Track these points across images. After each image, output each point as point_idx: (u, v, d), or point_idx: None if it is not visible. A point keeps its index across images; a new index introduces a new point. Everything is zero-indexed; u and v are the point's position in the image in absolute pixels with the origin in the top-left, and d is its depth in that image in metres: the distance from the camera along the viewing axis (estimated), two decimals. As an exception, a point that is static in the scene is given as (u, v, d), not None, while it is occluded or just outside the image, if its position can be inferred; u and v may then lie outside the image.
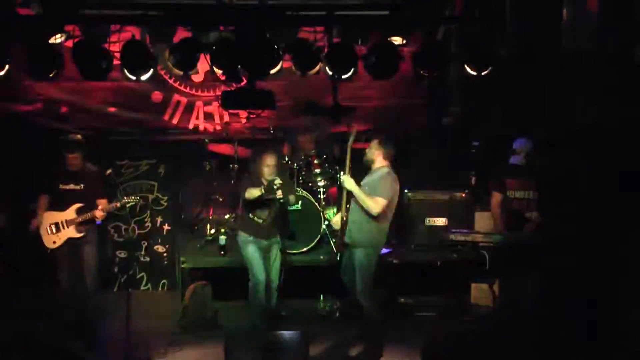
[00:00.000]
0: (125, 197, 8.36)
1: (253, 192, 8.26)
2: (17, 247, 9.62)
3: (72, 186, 8.26)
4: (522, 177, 8.30)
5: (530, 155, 8.21)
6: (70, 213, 8.25)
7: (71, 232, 8.26)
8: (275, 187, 8.16)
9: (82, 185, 8.27)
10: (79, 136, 8.24)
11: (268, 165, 8.32)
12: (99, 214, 8.21)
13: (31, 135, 10.40)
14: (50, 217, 8.27)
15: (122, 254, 10.48)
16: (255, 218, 8.46)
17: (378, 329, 8.03)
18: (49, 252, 8.31)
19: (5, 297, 9.51)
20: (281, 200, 8.36)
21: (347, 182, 7.86)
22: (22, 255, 9.58)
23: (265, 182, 8.26)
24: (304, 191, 9.73)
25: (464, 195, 9.80)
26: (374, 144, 8.15)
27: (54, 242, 8.27)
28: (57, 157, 8.38)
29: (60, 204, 8.28)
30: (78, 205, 8.25)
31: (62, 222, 8.24)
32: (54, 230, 8.25)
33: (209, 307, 8.95)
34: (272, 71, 7.98)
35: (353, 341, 8.23)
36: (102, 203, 8.29)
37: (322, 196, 9.94)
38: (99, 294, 8.59)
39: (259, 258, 8.47)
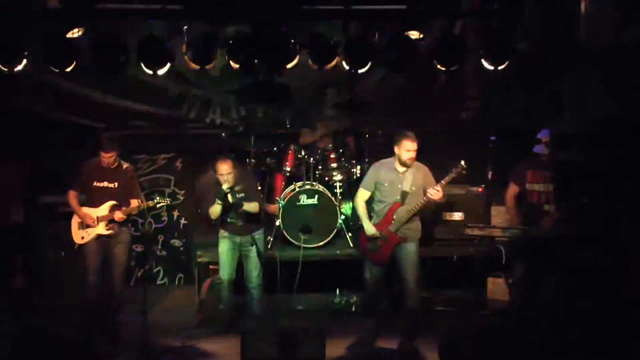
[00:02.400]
0: (158, 198, 8.43)
1: (214, 211, 8.30)
2: (37, 242, 9.64)
3: (106, 184, 8.31)
4: (542, 169, 8.30)
5: (552, 146, 8.22)
6: (103, 210, 8.29)
7: (100, 229, 8.28)
8: (226, 192, 8.17)
9: (116, 183, 8.31)
10: (114, 135, 8.26)
11: (221, 174, 8.22)
12: (117, 216, 8.24)
13: (48, 129, 10.41)
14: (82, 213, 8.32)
15: (138, 248, 10.52)
16: (229, 219, 8.47)
17: (419, 321, 8.30)
18: (77, 248, 8.37)
19: (22, 292, 9.58)
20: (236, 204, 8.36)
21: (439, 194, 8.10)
22: (42, 249, 9.61)
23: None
24: (320, 185, 9.72)
25: (480, 190, 9.78)
26: (414, 139, 8.12)
27: (82, 238, 8.32)
28: (83, 153, 8.41)
29: (93, 201, 8.33)
30: (112, 202, 8.30)
31: (95, 218, 8.28)
32: (84, 226, 8.29)
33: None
34: (289, 65, 7.98)
35: (371, 335, 8.29)
36: (134, 202, 8.34)
37: (338, 190, 9.92)
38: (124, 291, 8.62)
39: (229, 258, 8.52)
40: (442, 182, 8.02)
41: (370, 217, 8.34)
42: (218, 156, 8.41)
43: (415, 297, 8.19)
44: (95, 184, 8.29)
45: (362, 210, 8.37)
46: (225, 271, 8.54)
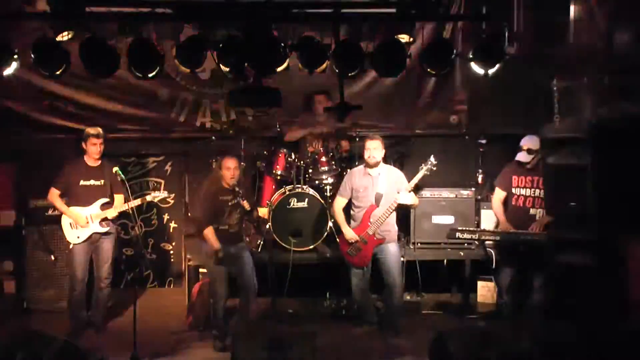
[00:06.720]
0: (152, 194, 8.55)
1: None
2: (28, 246, 9.58)
3: (92, 182, 8.38)
4: (526, 174, 8.38)
5: (536, 152, 8.29)
6: (96, 208, 8.34)
7: (96, 227, 8.35)
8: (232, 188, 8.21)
9: (102, 180, 8.39)
10: (99, 128, 8.38)
11: (228, 168, 8.21)
12: (110, 214, 8.29)
13: (38, 133, 10.37)
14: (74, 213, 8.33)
15: (128, 252, 10.50)
16: (220, 226, 8.33)
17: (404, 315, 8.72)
18: (71, 247, 8.39)
19: (17, 294, 9.55)
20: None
21: (413, 197, 8.40)
22: (33, 253, 9.56)
23: (227, 186, 8.25)
24: (310, 189, 9.71)
25: (470, 193, 9.78)
26: (379, 142, 8.31)
27: (78, 237, 8.35)
28: (69, 154, 8.41)
29: (82, 200, 8.35)
30: (103, 200, 8.39)
31: (87, 217, 8.30)
32: (77, 225, 8.32)
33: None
34: (279, 69, 7.97)
35: (361, 338, 8.33)
36: (118, 199, 8.44)
37: (328, 194, 9.90)
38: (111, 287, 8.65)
39: (223, 273, 8.33)
40: (414, 180, 8.22)
41: (348, 222, 8.65)
42: (223, 155, 8.56)
43: (400, 293, 8.55)
44: (81, 182, 8.35)
45: (339, 217, 8.72)
46: (223, 288, 8.32)
